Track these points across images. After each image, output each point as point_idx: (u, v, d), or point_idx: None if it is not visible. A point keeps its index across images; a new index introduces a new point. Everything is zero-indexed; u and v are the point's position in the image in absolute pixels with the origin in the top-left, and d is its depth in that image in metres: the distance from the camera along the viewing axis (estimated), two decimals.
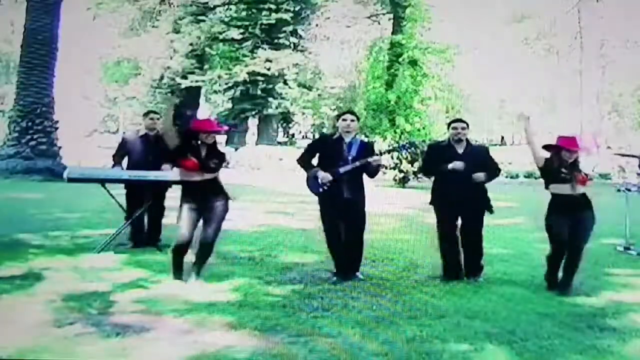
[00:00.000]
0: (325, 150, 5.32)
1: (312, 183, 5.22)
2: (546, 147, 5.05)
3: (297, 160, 5.44)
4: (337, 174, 5.12)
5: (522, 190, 18.78)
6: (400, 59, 21.97)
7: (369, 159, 5.10)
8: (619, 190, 7.32)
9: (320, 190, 5.17)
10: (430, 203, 5.43)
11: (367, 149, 5.29)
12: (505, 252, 6.72)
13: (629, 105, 35.26)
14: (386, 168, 16.79)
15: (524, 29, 34.21)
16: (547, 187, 5.04)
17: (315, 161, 5.34)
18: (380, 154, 5.31)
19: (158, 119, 6.79)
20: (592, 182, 5.06)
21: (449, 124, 5.58)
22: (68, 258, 5.78)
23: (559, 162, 4.91)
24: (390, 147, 5.46)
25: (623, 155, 7.59)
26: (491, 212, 5.34)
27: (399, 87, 21.48)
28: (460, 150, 5.34)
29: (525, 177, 24.89)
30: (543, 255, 5.10)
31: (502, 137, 39.94)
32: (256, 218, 8.70)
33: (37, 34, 18.57)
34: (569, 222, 4.84)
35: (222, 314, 4.05)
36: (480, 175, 5.21)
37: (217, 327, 3.80)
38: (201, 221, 4.87)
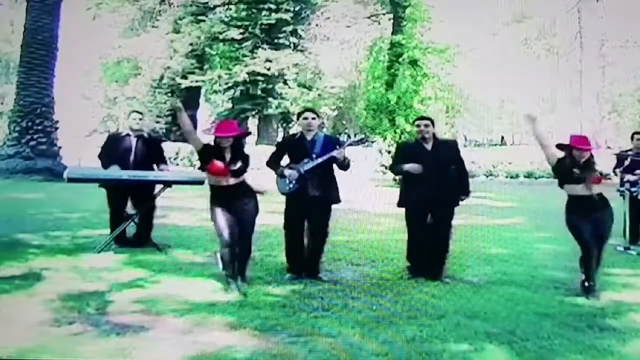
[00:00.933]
0: (291, 150, 5.36)
1: (281, 182, 5.24)
2: (559, 147, 5.02)
3: (266, 162, 5.44)
4: (302, 171, 5.13)
5: (522, 190, 18.79)
6: (400, 59, 21.91)
7: (332, 154, 5.11)
8: (618, 190, 7.31)
9: (288, 188, 5.19)
10: (399, 205, 5.45)
11: (331, 143, 5.30)
12: (505, 252, 6.72)
13: (629, 105, 35.21)
14: (386, 168, 16.76)
15: (524, 29, 34.17)
16: (561, 187, 5.01)
17: (284, 163, 5.35)
18: (344, 147, 5.30)
19: (141, 119, 6.72)
20: (608, 182, 5.03)
21: (413, 122, 5.62)
22: (68, 258, 5.78)
23: (571, 162, 4.86)
24: (351, 140, 5.52)
25: (623, 154, 7.58)
26: (457, 204, 5.36)
27: (399, 87, 21.44)
28: (428, 147, 5.37)
29: (525, 177, 24.87)
30: (543, 255, 5.11)
31: (502, 137, 39.89)
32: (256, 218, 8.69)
33: (37, 34, 18.56)
34: (589, 221, 4.81)
35: (222, 314, 4.05)
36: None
37: (217, 327, 3.80)
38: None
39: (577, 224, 4.86)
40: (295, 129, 40.38)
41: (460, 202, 5.41)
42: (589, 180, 4.81)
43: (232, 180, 4.76)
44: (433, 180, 5.19)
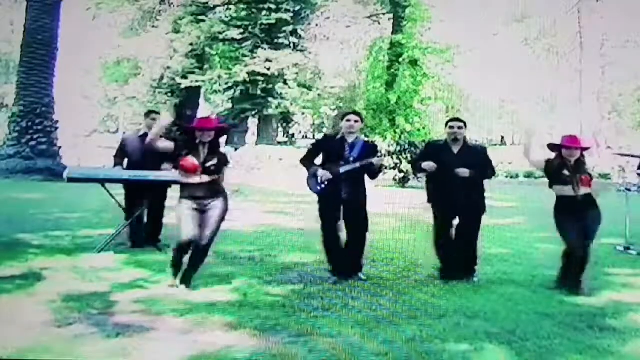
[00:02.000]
0: (327, 150, 5.32)
1: (312, 182, 5.22)
2: (550, 147, 5.05)
3: (300, 159, 5.41)
4: (337, 174, 5.11)
5: (522, 190, 18.79)
6: (400, 59, 21.97)
7: (370, 160, 5.09)
8: (619, 191, 7.31)
9: (319, 189, 5.17)
10: (428, 201, 5.42)
11: (369, 150, 5.27)
12: (505, 252, 6.72)
13: (629, 105, 35.22)
14: (386, 168, 16.79)
15: (524, 29, 34.16)
16: (550, 187, 5.04)
17: (318, 162, 5.33)
18: (383, 155, 5.31)
19: (155, 118, 6.74)
20: (594, 182, 5.06)
21: (446, 123, 5.57)
22: (68, 258, 5.78)
23: (561, 163, 4.90)
24: (394, 149, 5.51)
25: (623, 155, 7.58)
26: (484, 211, 5.33)
27: (399, 87, 21.48)
28: (455, 150, 5.33)
29: (525, 177, 24.88)
30: (543, 255, 5.11)
31: (502, 137, 39.88)
32: (256, 218, 8.69)
33: (37, 34, 18.58)
34: (575, 222, 4.84)
35: (222, 314, 4.05)
36: (464, 171, 5.16)
37: (217, 327, 3.80)
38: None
39: (564, 224, 4.89)
40: (295, 129, 40.45)
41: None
42: (577, 182, 4.82)
43: (205, 178, 4.67)
44: (456, 183, 5.12)
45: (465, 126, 5.40)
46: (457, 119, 5.54)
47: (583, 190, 4.88)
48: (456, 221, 5.30)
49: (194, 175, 4.66)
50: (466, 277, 5.21)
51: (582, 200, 4.88)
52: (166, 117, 4.92)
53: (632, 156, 7.52)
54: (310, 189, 5.26)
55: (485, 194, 5.36)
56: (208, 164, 4.66)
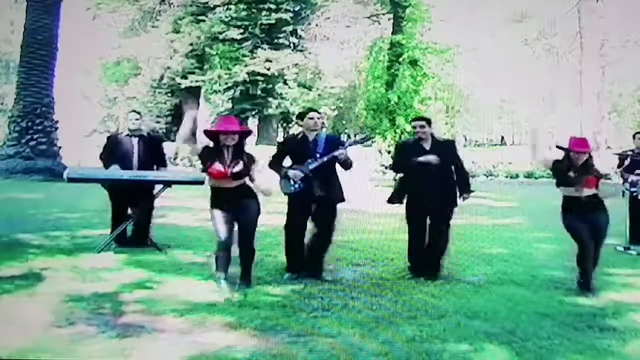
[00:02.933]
0: (293, 151, 5.34)
1: (284, 183, 5.23)
2: (559, 148, 5.05)
3: (268, 164, 5.39)
4: (306, 170, 5.13)
5: (522, 190, 18.80)
6: (400, 59, 21.94)
7: (333, 154, 5.10)
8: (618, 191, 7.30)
9: (292, 189, 5.17)
10: (392, 202, 5.46)
11: (333, 142, 5.30)
12: (505, 252, 6.72)
13: (629, 105, 35.23)
14: (386, 168, 16.77)
15: (524, 29, 34.16)
16: (557, 186, 5.04)
17: (287, 164, 5.34)
18: (347, 146, 5.29)
19: (137, 119, 6.65)
20: (608, 182, 5.06)
21: (410, 122, 5.64)
22: (68, 258, 5.78)
23: (569, 164, 4.89)
24: (355, 140, 5.56)
25: (622, 154, 7.59)
26: (456, 204, 5.38)
27: (399, 87, 21.46)
28: (427, 147, 5.38)
29: (525, 177, 24.87)
30: (543, 255, 5.11)
31: (502, 137, 39.90)
32: None
33: (37, 34, 18.57)
34: (584, 222, 4.84)
35: (222, 314, 4.05)
36: (433, 158, 5.23)
37: (217, 327, 3.80)
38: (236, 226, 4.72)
39: (573, 223, 4.89)
40: (295, 128, 40.49)
41: (463, 201, 5.42)
42: (582, 183, 4.82)
43: (234, 183, 4.65)
44: (431, 180, 5.19)
45: (429, 124, 5.45)
46: (420, 118, 5.66)
47: (587, 192, 4.87)
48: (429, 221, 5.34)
49: (222, 181, 4.63)
50: (432, 278, 5.20)
51: (587, 202, 4.87)
52: (191, 116, 4.85)
53: (627, 156, 7.51)
54: (283, 190, 5.25)
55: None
56: (235, 170, 4.60)
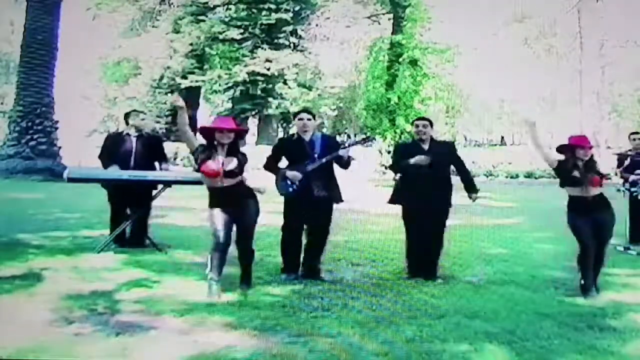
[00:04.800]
0: (289, 152, 5.32)
1: (282, 184, 5.20)
2: (559, 149, 5.03)
3: (264, 166, 5.37)
4: (305, 172, 5.11)
5: (522, 190, 18.80)
6: (400, 59, 21.92)
7: (337, 153, 5.09)
8: (618, 190, 7.31)
9: (291, 190, 5.15)
10: (389, 201, 5.47)
11: (330, 142, 5.30)
12: (505, 252, 6.72)
13: (629, 105, 35.23)
14: (386, 168, 16.76)
15: (524, 29, 34.18)
16: (562, 186, 5.03)
17: (283, 165, 5.33)
18: (349, 146, 5.28)
19: (143, 119, 6.69)
20: (608, 182, 5.04)
21: (412, 122, 5.62)
22: (68, 258, 5.78)
23: (573, 164, 4.86)
24: (356, 140, 5.54)
25: (622, 155, 7.59)
26: (451, 205, 5.36)
27: (399, 87, 21.44)
28: (425, 148, 5.38)
29: (525, 177, 24.88)
30: (543, 255, 5.11)
31: (502, 137, 39.93)
32: None
33: (37, 34, 18.58)
34: (589, 222, 4.82)
35: (222, 314, 4.05)
36: (424, 158, 5.23)
37: (217, 327, 3.80)
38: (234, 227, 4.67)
39: (577, 223, 4.87)
40: (295, 128, 40.55)
41: (473, 201, 5.42)
42: (588, 183, 4.81)
43: (226, 182, 4.57)
44: (429, 180, 5.18)
45: (432, 125, 5.45)
46: (423, 118, 5.65)
47: (593, 191, 4.86)
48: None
49: (216, 180, 4.58)
50: (430, 275, 5.22)
51: (593, 201, 4.86)
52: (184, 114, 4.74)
53: (627, 156, 7.51)
54: (280, 191, 5.23)
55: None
56: (228, 168, 4.55)
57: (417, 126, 5.46)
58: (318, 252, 5.25)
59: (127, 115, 6.79)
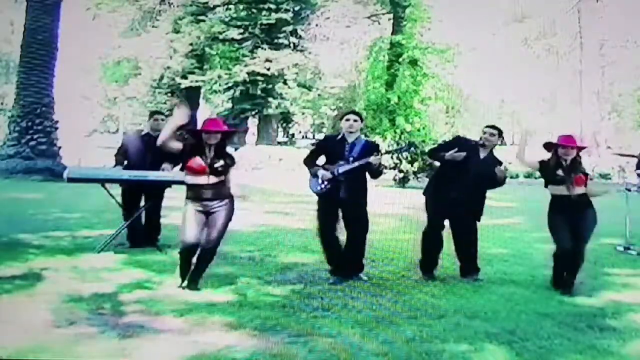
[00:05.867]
0: (328, 150, 5.32)
1: (313, 182, 5.23)
2: (546, 146, 5.06)
3: (304, 160, 5.42)
4: (336, 173, 5.11)
5: (522, 190, 18.76)
6: (400, 59, 21.95)
7: (367, 159, 5.07)
8: (619, 191, 7.31)
9: (319, 188, 5.16)
10: (424, 192, 5.46)
11: (369, 149, 5.25)
12: (505, 252, 6.73)
13: (629, 105, 35.22)
14: (386, 168, 16.76)
15: (524, 29, 34.15)
16: (546, 186, 5.06)
17: (321, 162, 5.33)
18: (381, 155, 5.29)
19: (163, 119, 6.72)
20: (592, 182, 5.05)
21: (484, 129, 5.51)
22: (68, 258, 5.78)
23: (556, 163, 4.90)
24: (392, 149, 5.47)
25: (623, 155, 7.58)
26: (478, 219, 5.34)
27: (399, 87, 21.47)
28: (482, 155, 5.33)
29: (525, 177, 24.87)
30: (543, 255, 5.11)
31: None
32: (256, 218, 8.68)
33: (37, 34, 18.56)
34: (569, 222, 4.85)
35: (222, 314, 4.05)
36: (500, 174, 5.21)
37: (217, 327, 3.80)
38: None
39: (556, 223, 4.89)
40: (295, 129, 40.51)
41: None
42: (572, 182, 4.82)
43: (212, 179, 4.61)
44: (468, 186, 5.15)
45: (500, 135, 5.37)
46: (493, 127, 5.52)
47: (577, 190, 4.87)
48: (447, 222, 5.34)
49: (201, 176, 4.62)
50: (470, 277, 5.24)
51: (576, 200, 4.87)
52: (182, 117, 4.77)
53: (632, 156, 7.51)
54: (311, 188, 5.26)
55: (486, 197, 5.37)
56: (215, 165, 4.61)
57: (484, 132, 5.39)
58: (356, 252, 5.19)
59: (150, 116, 6.83)
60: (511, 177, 25.15)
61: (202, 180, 4.62)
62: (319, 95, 31.77)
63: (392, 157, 16.60)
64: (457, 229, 5.31)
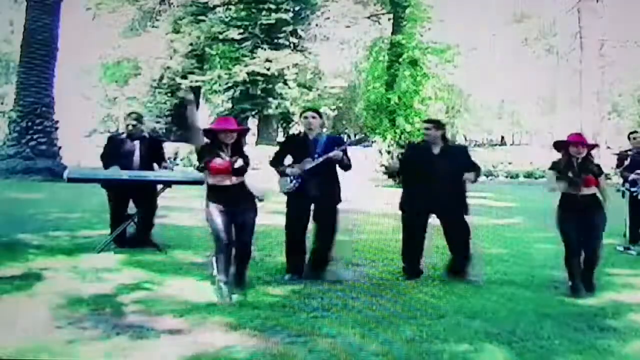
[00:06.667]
0: (293, 149, 5.34)
1: (283, 181, 5.23)
2: (556, 145, 5.03)
3: (269, 162, 5.39)
4: (304, 170, 5.12)
5: (522, 190, 18.79)
6: (400, 59, 21.90)
7: (328, 155, 5.08)
8: (618, 190, 7.31)
9: (291, 185, 5.16)
10: (400, 207, 5.44)
11: (333, 143, 5.27)
12: (505, 252, 6.72)
13: (629, 106, 35.23)
14: (386, 168, 16.72)
15: (524, 29, 34.18)
16: (556, 181, 5.02)
17: (288, 162, 5.33)
18: (341, 149, 5.23)
19: (134, 125, 6.53)
20: (608, 182, 5.01)
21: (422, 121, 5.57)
22: (68, 258, 5.78)
23: (567, 163, 4.86)
24: (351, 141, 5.49)
25: (621, 154, 7.59)
26: (466, 213, 5.32)
27: (399, 87, 21.42)
28: (435, 151, 5.31)
29: (525, 177, 24.88)
30: (543, 255, 5.11)
31: (502, 137, 39.90)
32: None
33: (37, 34, 18.57)
34: (578, 222, 4.82)
35: (222, 314, 4.05)
36: (469, 176, 5.18)
37: (217, 327, 3.80)
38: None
39: (565, 223, 4.87)
40: (295, 128, 40.55)
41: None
42: (583, 183, 4.79)
43: (234, 180, 4.59)
44: (436, 185, 5.09)
45: (440, 127, 5.37)
46: (429, 120, 5.58)
47: (587, 191, 4.85)
48: (431, 220, 5.33)
49: (225, 177, 4.57)
50: (463, 278, 5.22)
51: (585, 200, 4.85)
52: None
53: (627, 155, 7.51)
54: (281, 188, 5.24)
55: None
56: (237, 165, 4.56)
57: (424, 128, 5.41)
58: (323, 252, 5.22)
59: (128, 116, 6.77)
60: (511, 177, 25.17)
61: (226, 181, 4.57)
62: (319, 95, 31.78)
63: (391, 157, 16.57)
64: (446, 226, 5.29)
